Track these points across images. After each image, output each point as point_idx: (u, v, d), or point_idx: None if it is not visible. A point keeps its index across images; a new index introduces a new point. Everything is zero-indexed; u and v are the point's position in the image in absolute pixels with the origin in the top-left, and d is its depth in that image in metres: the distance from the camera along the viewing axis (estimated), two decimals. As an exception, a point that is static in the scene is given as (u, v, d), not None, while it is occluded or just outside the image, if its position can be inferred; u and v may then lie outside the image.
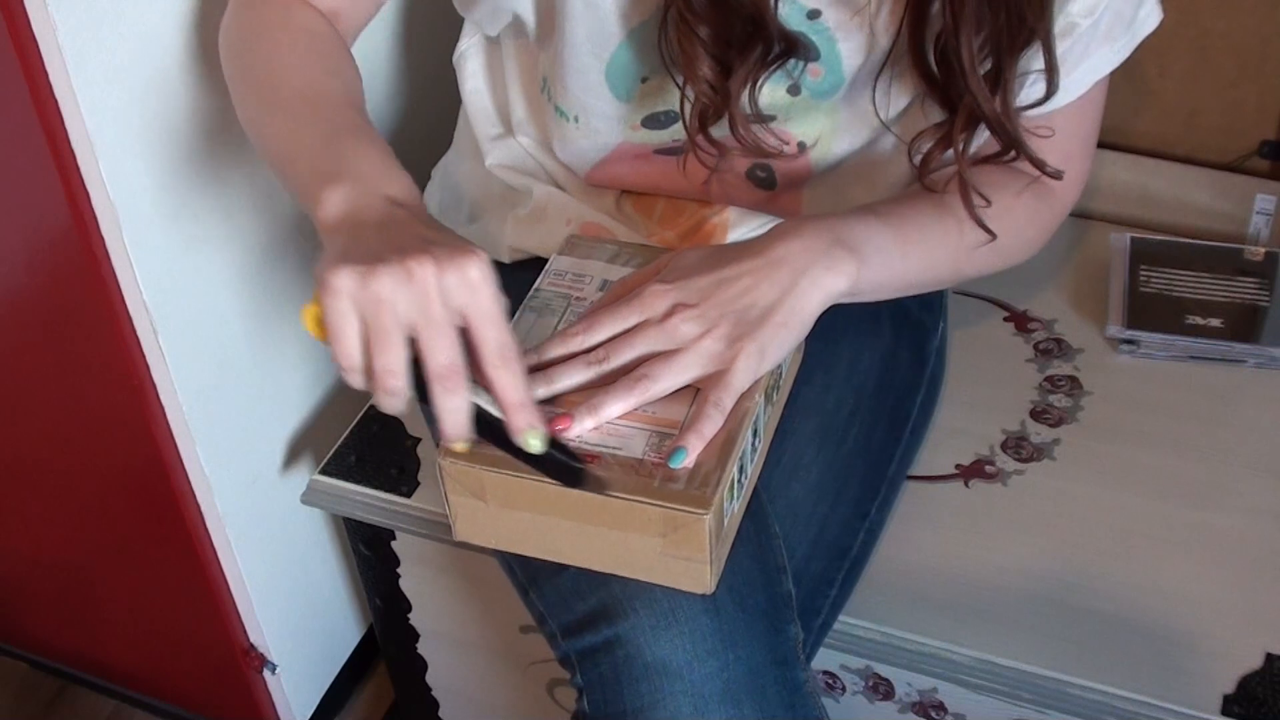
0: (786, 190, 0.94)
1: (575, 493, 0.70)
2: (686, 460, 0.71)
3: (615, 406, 0.73)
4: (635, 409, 0.74)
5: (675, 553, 0.72)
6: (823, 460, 0.91)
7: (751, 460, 0.78)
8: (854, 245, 0.79)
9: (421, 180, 1.08)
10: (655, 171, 0.94)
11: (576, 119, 0.91)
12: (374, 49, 1.18)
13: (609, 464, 0.72)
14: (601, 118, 0.90)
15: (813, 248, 0.77)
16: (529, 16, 0.89)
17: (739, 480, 0.75)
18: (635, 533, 0.71)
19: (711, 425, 0.73)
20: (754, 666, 0.77)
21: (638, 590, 0.77)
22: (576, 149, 0.94)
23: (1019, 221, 0.88)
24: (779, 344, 0.76)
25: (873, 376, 0.95)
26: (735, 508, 0.76)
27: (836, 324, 0.94)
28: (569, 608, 0.81)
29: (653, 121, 0.90)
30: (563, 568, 0.80)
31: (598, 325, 0.76)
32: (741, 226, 0.94)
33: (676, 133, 0.90)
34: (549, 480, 0.71)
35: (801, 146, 0.90)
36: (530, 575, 0.86)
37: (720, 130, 0.82)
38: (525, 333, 0.80)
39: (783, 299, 0.76)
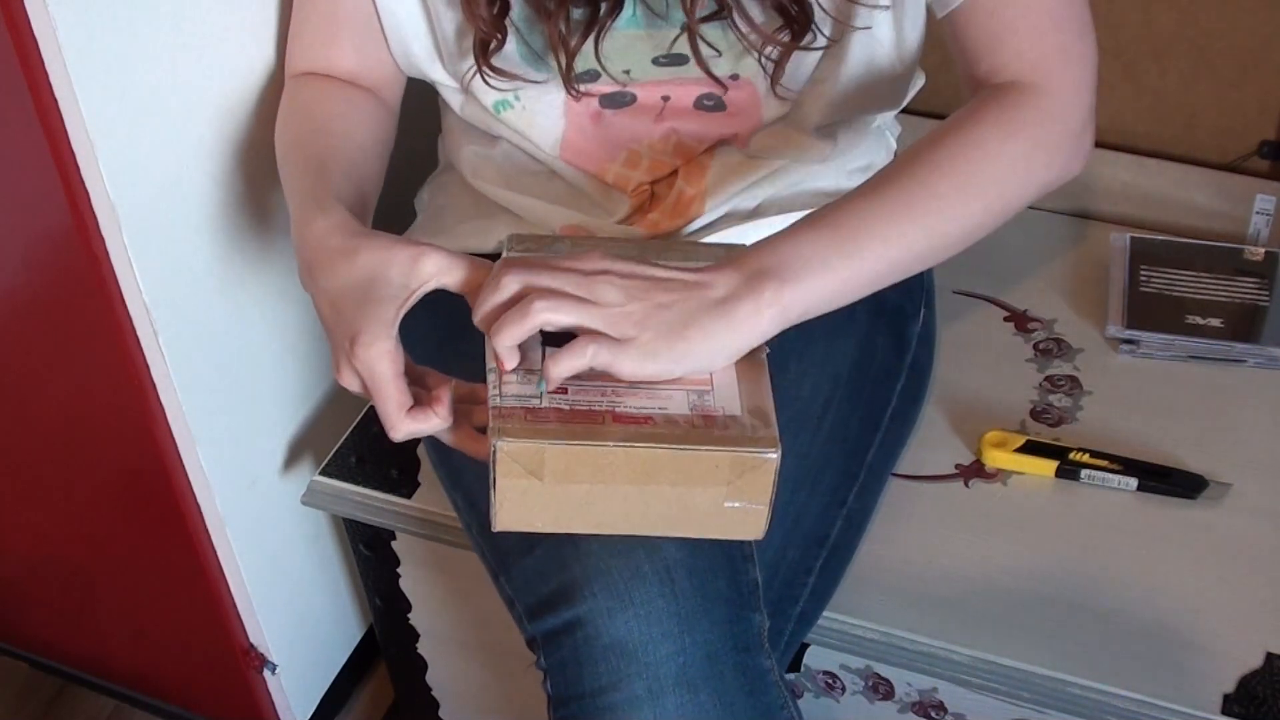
0: (741, 111, 0.95)
1: (642, 453, 0.71)
2: (546, 388, 0.73)
3: (508, 333, 0.73)
4: (524, 336, 0.73)
5: (739, 499, 0.73)
6: (797, 449, 0.91)
7: None
8: (778, 270, 0.76)
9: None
10: (614, 131, 0.95)
11: (516, 97, 0.94)
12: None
13: (661, 423, 0.72)
14: (535, 88, 0.93)
15: (734, 285, 0.76)
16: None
17: None
18: (699, 485, 0.72)
19: (571, 365, 0.73)
20: (712, 651, 0.78)
21: (597, 572, 0.78)
22: (531, 130, 0.96)
23: (1013, 155, 0.82)
24: (671, 358, 0.74)
25: (848, 364, 0.95)
26: None
27: None
28: (533, 589, 0.82)
29: (583, 76, 0.92)
30: (531, 549, 0.82)
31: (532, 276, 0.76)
32: (720, 193, 0.95)
33: (608, 78, 0.93)
34: (616, 443, 0.71)
35: (735, 78, 0.92)
36: (500, 559, 0.87)
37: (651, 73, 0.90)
38: None
39: (695, 327, 0.74)
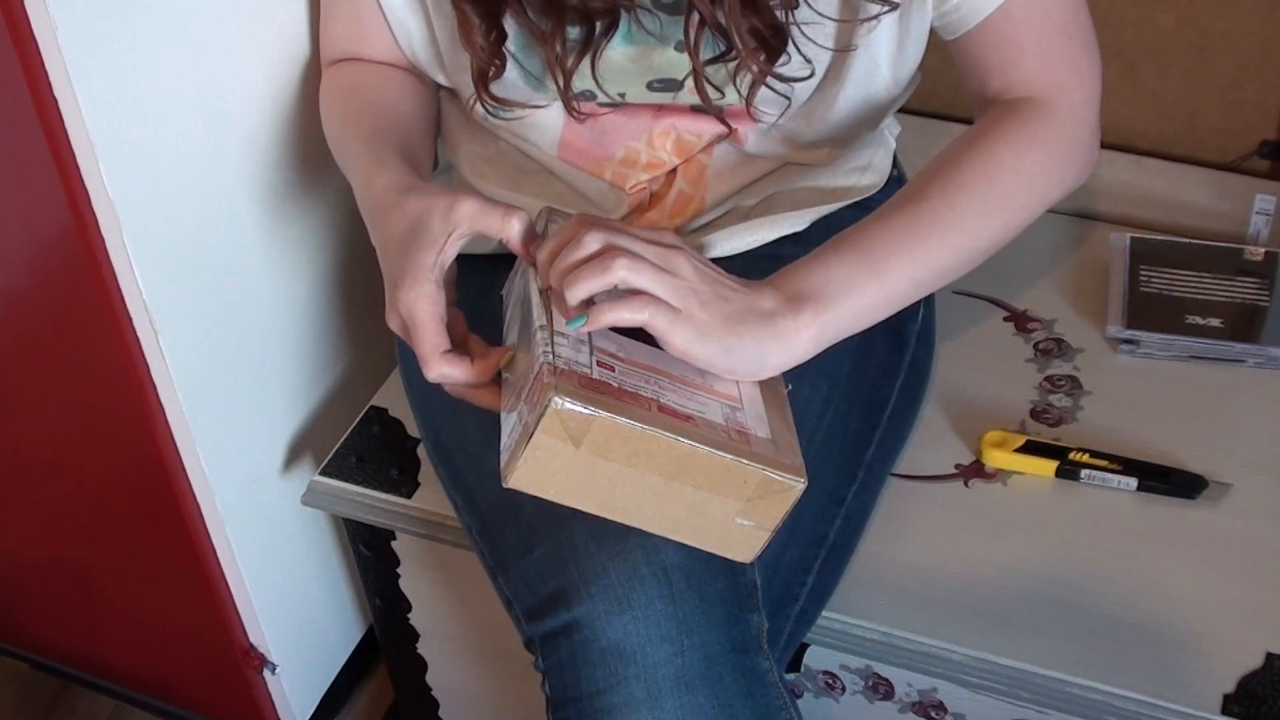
0: (737, 114, 0.94)
1: (684, 448, 0.71)
2: (582, 326, 0.74)
3: (585, 284, 0.74)
4: (600, 289, 0.74)
5: (749, 517, 0.74)
6: None
7: None
8: (815, 293, 0.79)
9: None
10: (612, 128, 0.95)
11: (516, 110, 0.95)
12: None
13: (702, 425, 0.73)
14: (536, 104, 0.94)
15: (778, 302, 0.78)
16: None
17: None
18: (719, 494, 0.73)
19: (623, 315, 0.74)
20: (710, 654, 0.78)
21: (595, 574, 0.78)
22: (529, 130, 0.97)
23: (1032, 171, 0.86)
24: (721, 347, 0.76)
25: (846, 363, 0.95)
26: None
27: None
28: (531, 591, 0.82)
29: (580, 96, 0.92)
30: (529, 550, 0.82)
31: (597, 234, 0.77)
32: (720, 192, 0.96)
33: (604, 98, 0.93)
34: (662, 432, 0.71)
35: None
36: (498, 559, 0.87)
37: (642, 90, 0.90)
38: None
39: (747, 327, 0.77)
